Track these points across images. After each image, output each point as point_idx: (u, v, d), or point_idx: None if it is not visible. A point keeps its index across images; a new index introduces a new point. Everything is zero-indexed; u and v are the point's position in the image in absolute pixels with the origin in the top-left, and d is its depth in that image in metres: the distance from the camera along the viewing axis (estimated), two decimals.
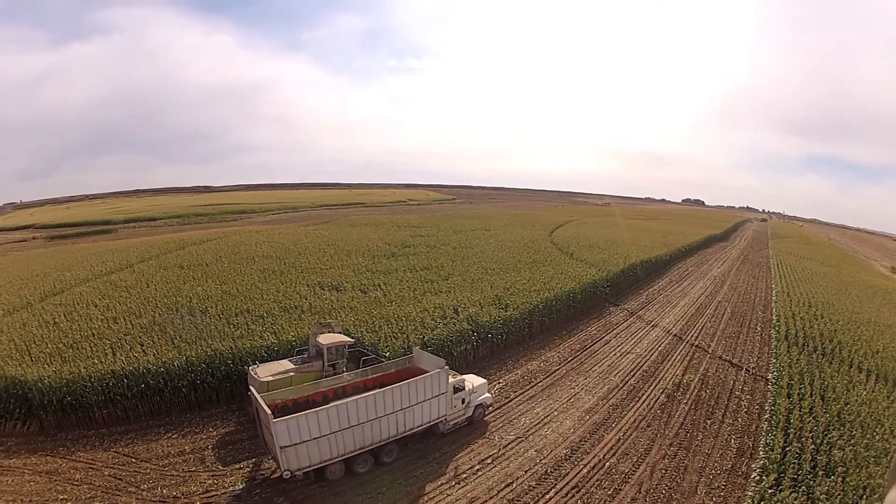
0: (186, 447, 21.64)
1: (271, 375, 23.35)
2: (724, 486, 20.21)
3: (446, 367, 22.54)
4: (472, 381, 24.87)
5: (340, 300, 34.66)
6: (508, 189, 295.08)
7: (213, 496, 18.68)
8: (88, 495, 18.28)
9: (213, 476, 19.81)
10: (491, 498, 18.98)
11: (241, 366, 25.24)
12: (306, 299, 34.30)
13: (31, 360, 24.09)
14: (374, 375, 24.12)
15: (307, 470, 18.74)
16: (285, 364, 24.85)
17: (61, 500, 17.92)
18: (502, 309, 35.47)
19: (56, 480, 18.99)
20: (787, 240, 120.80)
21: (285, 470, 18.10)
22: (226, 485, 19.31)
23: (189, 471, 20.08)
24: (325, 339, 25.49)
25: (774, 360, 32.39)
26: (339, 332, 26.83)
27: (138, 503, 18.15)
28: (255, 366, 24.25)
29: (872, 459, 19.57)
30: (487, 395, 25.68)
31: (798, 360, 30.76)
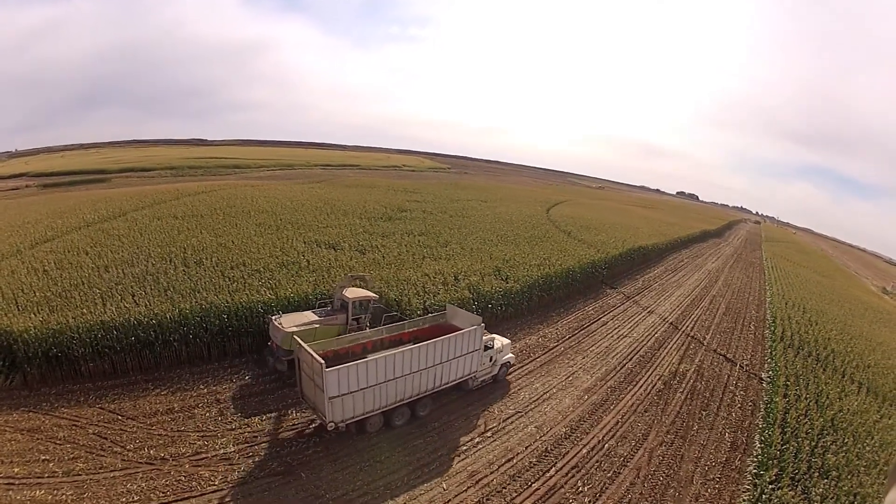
0: (175, 405, 20.62)
1: (295, 326, 23.02)
2: (719, 478, 20.30)
3: (482, 324, 23.04)
4: (499, 340, 25.75)
5: (339, 259, 33.79)
6: (503, 163, 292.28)
7: (202, 458, 17.82)
8: (71, 455, 17.34)
9: (203, 437, 18.89)
10: (492, 472, 18.73)
11: (237, 321, 24.39)
12: (304, 256, 33.39)
13: (18, 310, 22.54)
14: (410, 330, 24.65)
15: (350, 422, 18.87)
16: (309, 315, 24.67)
17: (42, 460, 16.99)
18: (503, 280, 35.16)
19: (38, 439, 17.98)
20: (781, 244, 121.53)
21: (330, 421, 18.12)
22: (216, 446, 18.44)
23: (178, 430, 19.14)
24: (351, 293, 25.35)
25: (770, 360, 32.48)
26: (371, 286, 26.64)
27: (124, 465, 17.16)
28: (279, 316, 23.90)
29: (863, 468, 19.72)
30: (511, 355, 26.60)
31: (794, 362, 30.83)
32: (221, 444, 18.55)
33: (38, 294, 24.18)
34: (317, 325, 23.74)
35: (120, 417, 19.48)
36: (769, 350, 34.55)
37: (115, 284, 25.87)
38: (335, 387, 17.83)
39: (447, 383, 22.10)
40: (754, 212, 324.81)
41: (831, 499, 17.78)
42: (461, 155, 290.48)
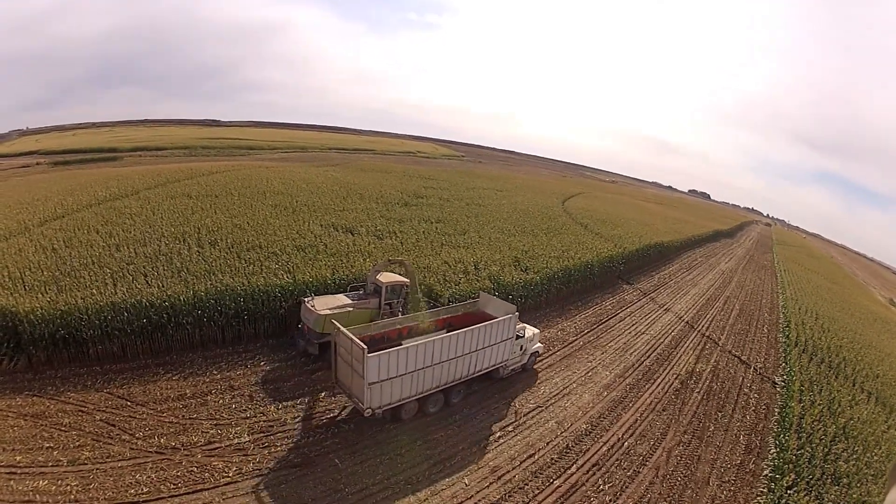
0: (187, 391, 19.79)
1: (329, 309, 22.70)
2: (735, 480, 20.18)
3: (517, 313, 23.05)
4: (529, 329, 25.78)
5: (357, 244, 33.21)
6: (517, 153, 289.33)
7: (216, 448, 17.14)
8: (77, 443, 16.54)
9: (216, 425, 18.13)
10: (514, 468, 18.45)
11: (253, 304, 23.80)
12: (321, 239, 32.70)
13: (25, 289, 21.55)
14: (445, 317, 24.67)
15: (387, 408, 18.72)
16: (342, 299, 24.28)
17: (46, 448, 16.17)
18: (522, 271, 34.78)
19: (42, 425, 17.10)
20: (792, 248, 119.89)
21: (367, 407, 17.95)
22: (230, 436, 17.70)
23: (190, 418, 18.32)
24: (385, 277, 25.06)
25: (784, 364, 32.18)
26: (410, 271, 26.33)
27: (132, 454, 16.39)
28: (311, 298, 23.49)
29: (871, 477, 19.83)
30: (540, 344, 26.82)
31: (807, 368, 30.57)
32: (236, 433, 17.88)
33: (45, 273, 23.17)
34: (350, 309, 23.47)
35: (129, 403, 18.68)
36: (783, 355, 34.14)
37: (127, 264, 24.98)
38: (375, 372, 17.62)
39: (481, 371, 22.20)
40: (765, 214, 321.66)
41: None
42: (475, 143, 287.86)
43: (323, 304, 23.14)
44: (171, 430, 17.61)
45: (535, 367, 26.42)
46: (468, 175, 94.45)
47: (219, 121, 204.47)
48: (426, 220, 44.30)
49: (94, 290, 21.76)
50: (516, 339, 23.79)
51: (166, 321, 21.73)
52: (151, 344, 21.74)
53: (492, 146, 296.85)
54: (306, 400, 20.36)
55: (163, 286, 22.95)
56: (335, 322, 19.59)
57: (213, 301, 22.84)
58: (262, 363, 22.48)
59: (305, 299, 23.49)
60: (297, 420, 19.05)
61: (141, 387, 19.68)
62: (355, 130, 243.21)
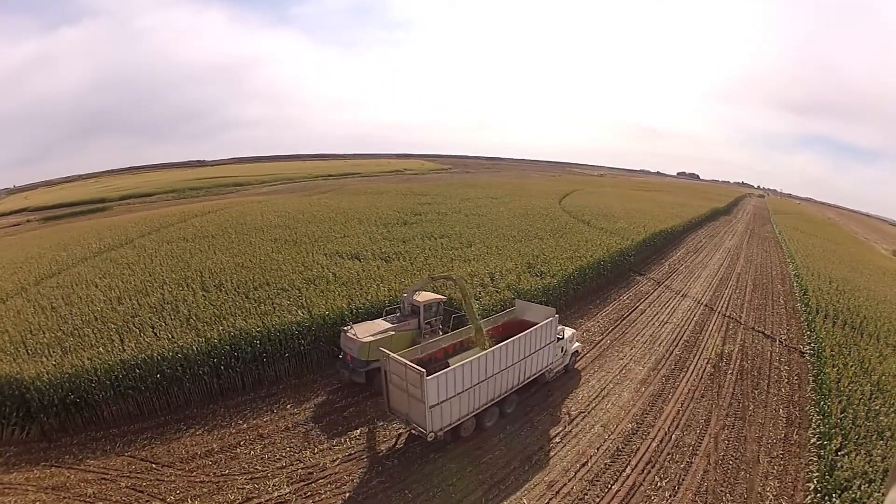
0: (214, 445, 18.80)
1: (371, 336, 22.45)
2: (782, 454, 20.00)
3: (556, 316, 23.39)
4: (567, 330, 25.92)
5: (366, 269, 32.61)
6: (502, 159, 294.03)
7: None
8: None
9: (251, 479, 17.20)
10: (569, 480, 17.83)
11: (271, 346, 23.14)
12: (328, 269, 32.03)
13: (28, 354, 20.80)
14: (486, 329, 23.98)
15: (447, 429, 18.56)
16: (381, 324, 23.92)
17: None
18: (538, 276, 34.34)
19: (65, 497, 16.06)
20: (789, 216, 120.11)
21: (430, 431, 17.76)
22: (268, 489, 16.71)
23: (222, 475, 17.33)
24: (421, 297, 24.94)
25: (810, 332, 31.93)
26: (461, 284, 25.36)
27: None
28: (349, 327, 23.12)
29: None
30: (578, 343, 27.16)
31: (832, 332, 30.25)
32: (274, 485, 16.90)
33: (47, 334, 22.36)
34: (392, 333, 23.20)
35: (154, 465, 17.73)
36: (807, 323, 33.93)
37: (131, 317, 24.18)
38: (435, 395, 17.43)
39: (530, 377, 22.34)
40: (756, 186, 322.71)
41: (889, 458, 17.56)
42: (459, 154, 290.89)
43: (364, 331, 22.82)
44: (205, 490, 16.63)
45: (577, 366, 26.58)
46: (460, 186, 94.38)
47: (204, 161, 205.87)
48: (429, 237, 43.78)
49: (100, 349, 20.98)
50: (557, 341, 23.90)
51: (181, 374, 20.93)
52: (168, 399, 20.91)
53: (476, 155, 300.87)
54: (342, 440, 19.56)
55: (173, 337, 22.18)
56: (384, 349, 19.22)
57: (227, 347, 22.09)
58: (289, 406, 21.65)
59: (344, 328, 23.16)
60: (336, 462, 18.15)
61: (164, 446, 18.78)
62: (340, 155, 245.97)
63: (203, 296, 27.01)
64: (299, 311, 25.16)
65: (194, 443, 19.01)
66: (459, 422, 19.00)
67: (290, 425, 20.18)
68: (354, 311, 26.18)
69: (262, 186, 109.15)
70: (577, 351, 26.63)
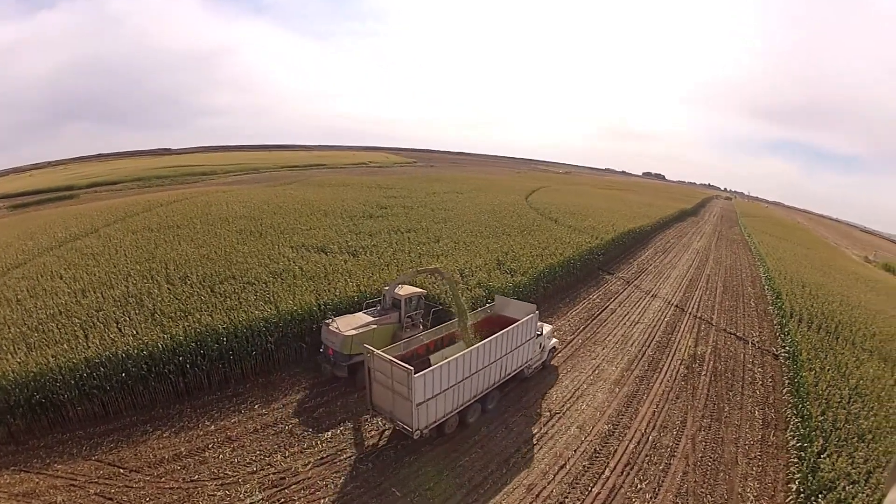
0: (182, 448, 18.31)
1: (353, 329, 22.79)
2: (761, 456, 20.82)
3: (537, 312, 24.01)
4: (545, 326, 26.60)
5: (333, 264, 32.26)
6: (468, 154, 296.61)
7: None
8: None
9: (222, 485, 16.75)
10: (549, 483, 18.05)
11: (237, 343, 22.63)
12: (294, 263, 31.66)
13: None
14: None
15: (432, 426, 18.77)
16: (363, 317, 24.28)
17: None
18: (508, 274, 34.65)
19: None
20: (758, 219, 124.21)
21: (416, 429, 17.97)
22: (240, 495, 16.32)
23: (191, 480, 16.90)
24: (403, 290, 25.18)
25: (784, 336, 32.93)
26: (449, 278, 25.88)
27: None
28: (331, 320, 23.30)
29: (890, 429, 20.68)
30: (555, 339, 28.08)
31: (808, 335, 31.33)
32: (245, 491, 16.50)
33: (12, 329, 21.69)
34: (374, 326, 23.64)
35: (122, 471, 17.17)
36: (781, 327, 34.93)
37: (96, 311, 23.54)
38: (422, 392, 17.62)
39: (510, 373, 22.85)
40: (723, 188, 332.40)
41: (872, 460, 18.36)
42: (424, 148, 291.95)
43: (346, 325, 23.03)
44: (174, 497, 16.16)
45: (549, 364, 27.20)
46: (425, 180, 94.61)
47: (170, 149, 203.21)
48: (396, 231, 43.73)
49: (64, 346, 20.30)
50: (536, 337, 24.51)
51: (146, 372, 20.32)
52: (134, 399, 20.28)
53: (441, 149, 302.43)
54: (313, 442, 19.25)
55: (137, 333, 21.57)
56: (369, 346, 19.27)
57: (193, 345, 21.54)
58: (257, 406, 21.24)
59: (326, 322, 23.37)
60: (308, 467, 17.85)
61: (131, 450, 18.20)
62: (304, 147, 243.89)
63: (168, 289, 26.42)
64: (266, 307, 24.80)
65: (161, 446, 18.50)
66: (444, 419, 19.22)
67: (258, 427, 19.78)
68: (322, 306, 25.85)
69: (227, 176, 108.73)
70: (554, 347, 27.35)
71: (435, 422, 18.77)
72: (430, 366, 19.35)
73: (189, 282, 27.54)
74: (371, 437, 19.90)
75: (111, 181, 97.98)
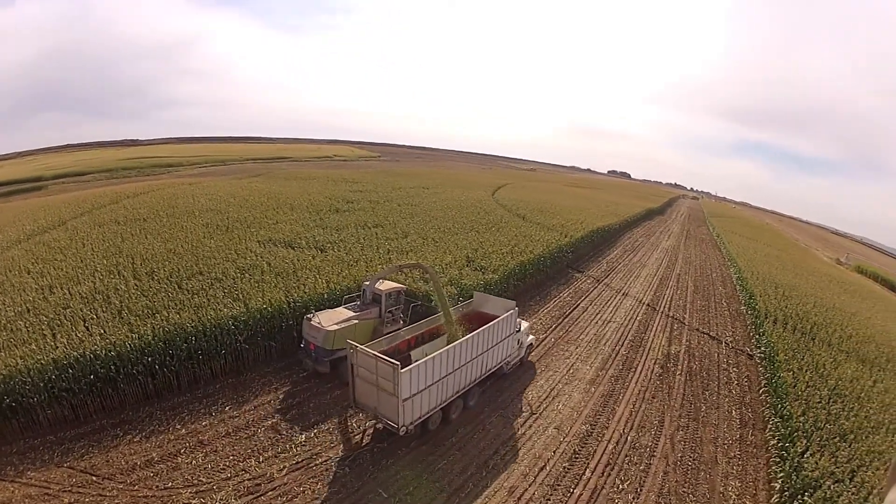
0: (154, 454, 17.80)
1: (336, 324, 22.91)
2: (740, 455, 21.43)
3: (517, 308, 24.62)
4: (523, 323, 26.97)
5: (301, 259, 31.88)
6: (432, 149, 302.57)
7: None
8: None
9: (197, 493, 16.29)
10: (530, 485, 18.10)
11: (206, 342, 22.18)
12: (262, 258, 31.27)
13: None
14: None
15: (417, 423, 18.98)
16: (344, 312, 24.40)
17: None
18: (479, 271, 34.80)
19: None
20: (726, 219, 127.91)
21: (402, 426, 18.13)
22: (215, 502, 15.99)
23: (165, 488, 16.41)
24: (383, 285, 25.67)
25: (761, 336, 33.69)
26: (433, 273, 26.01)
27: None
28: (314, 315, 23.41)
29: (871, 429, 21.31)
30: (532, 336, 28.76)
31: (783, 336, 32.19)
32: (221, 499, 16.12)
33: None
34: (356, 321, 23.83)
35: (94, 478, 16.60)
36: (755, 326, 36.02)
37: (63, 308, 22.77)
38: (408, 388, 17.79)
39: (491, 369, 23.47)
40: (689, 188, 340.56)
41: (855, 459, 18.96)
42: (388, 142, 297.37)
43: (328, 320, 23.21)
44: None
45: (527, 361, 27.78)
46: (390, 175, 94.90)
47: (137, 140, 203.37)
48: (363, 226, 43.62)
49: (33, 346, 19.51)
50: (515, 333, 25.08)
51: (115, 373, 19.72)
52: (103, 401, 19.66)
53: (405, 143, 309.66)
54: (287, 446, 18.86)
55: (105, 332, 20.91)
56: (353, 342, 19.22)
57: (161, 344, 20.99)
58: (227, 408, 20.73)
59: (308, 316, 23.45)
60: (284, 472, 17.48)
61: (103, 455, 17.61)
62: (270, 139, 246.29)
63: (135, 285, 25.80)
64: (235, 304, 24.37)
65: (133, 451, 17.93)
66: (429, 415, 19.44)
67: (230, 430, 19.32)
68: (292, 304, 25.52)
69: (193, 168, 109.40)
70: (531, 343, 27.94)
71: (420, 417, 18.97)
72: (412, 361, 19.73)
73: (156, 277, 27.03)
74: (346, 439, 19.68)
75: (79, 172, 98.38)
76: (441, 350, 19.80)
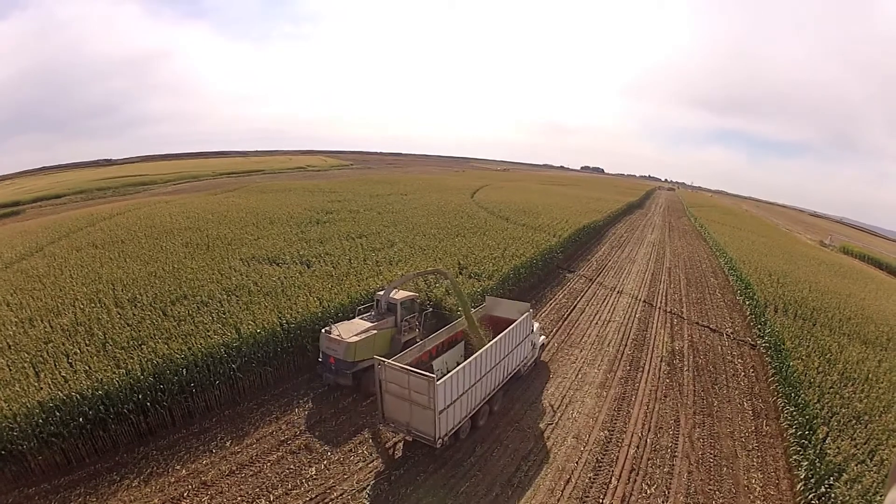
0: (155, 499, 16.75)
1: (356, 336, 23.01)
2: (758, 446, 21.67)
3: (531, 310, 25.37)
4: (534, 324, 27.18)
5: (288, 276, 31.12)
6: (404, 154, 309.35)
7: None
8: None
9: None
10: (559, 500, 17.72)
11: (198, 374, 21.23)
12: (247, 277, 30.44)
13: None
14: (461, 329, 25.51)
15: (451, 433, 19.18)
16: (361, 323, 24.54)
17: None
18: (475, 279, 34.49)
19: None
20: (706, 209, 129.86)
21: (439, 438, 18.26)
22: None
23: None
24: (398, 294, 25.97)
25: (761, 326, 34.02)
26: (452, 279, 26.18)
27: None
28: (331, 327, 23.54)
29: (884, 408, 21.64)
30: (543, 336, 29.37)
31: (787, 324, 32.35)
32: None
33: None
34: (375, 332, 23.98)
35: None
36: (755, 316, 36.25)
37: (45, 343, 21.67)
38: (443, 399, 17.92)
39: (511, 373, 23.84)
40: (664, 179, 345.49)
41: (873, 439, 19.20)
42: (360, 150, 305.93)
43: (347, 331, 23.29)
44: None
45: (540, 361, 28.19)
46: (366, 183, 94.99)
47: (111, 159, 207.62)
48: (347, 237, 43.11)
49: (16, 387, 18.39)
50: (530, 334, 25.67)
51: (104, 414, 18.66)
52: (94, 444, 18.61)
53: (377, 150, 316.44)
54: (297, 482, 18.02)
55: (90, 368, 19.78)
56: (380, 358, 19.21)
57: (151, 379, 19.92)
58: (228, 443, 19.76)
59: (326, 329, 23.50)
60: None
61: None
62: (242, 153, 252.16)
63: (118, 313, 24.82)
64: (226, 330, 23.44)
65: (132, 498, 16.91)
66: (460, 424, 19.70)
67: (234, 468, 18.46)
68: (286, 326, 24.78)
69: (167, 185, 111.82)
70: (543, 343, 28.34)
71: (453, 428, 19.22)
72: (433, 372, 20.54)
73: (139, 304, 26.13)
74: (358, 469, 18.98)
75: (55, 195, 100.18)
76: (471, 358, 20.08)
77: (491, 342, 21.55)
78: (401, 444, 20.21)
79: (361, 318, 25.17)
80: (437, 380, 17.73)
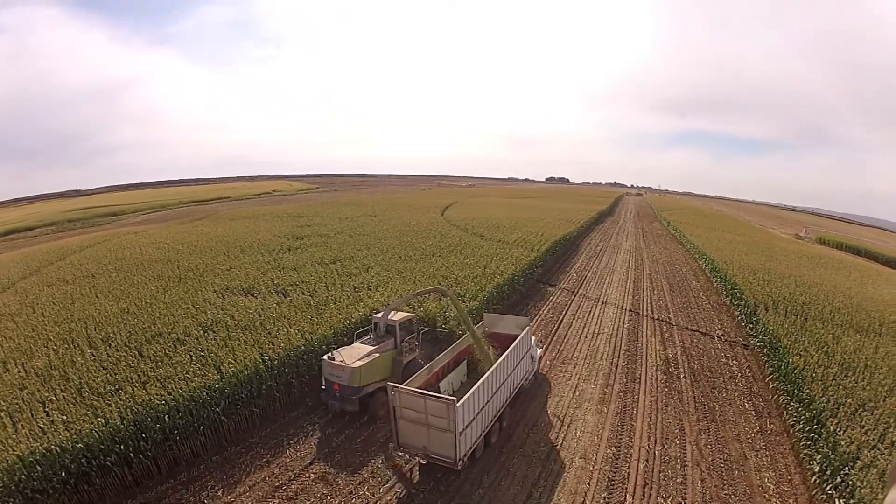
0: None
1: (360, 361, 23.08)
2: (765, 446, 22.05)
3: (531, 324, 26.30)
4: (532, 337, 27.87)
5: (265, 307, 30.30)
6: (369, 175, 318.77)
7: None
8: None
9: None
10: None
11: (181, 419, 20.28)
12: (223, 310, 29.52)
13: None
14: (464, 348, 26.14)
15: (469, 453, 19.33)
16: (362, 347, 24.58)
17: None
18: (458, 299, 33.84)
19: None
20: (677, 212, 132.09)
21: (460, 459, 18.41)
22: None
23: None
24: (395, 316, 26.02)
25: (756, 325, 34.22)
26: (454, 298, 27.08)
27: None
28: (333, 353, 23.67)
29: (886, 393, 22.23)
30: (540, 349, 29.69)
31: (780, 321, 32.58)
32: None
33: None
34: (377, 355, 24.04)
35: None
36: (747, 316, 36.62)
37: (20, 390, 20.62)
38: (462, 420, 18.12)
39: (516, 388, 24.41)
40: (630, 185, 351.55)
41: (881, 423, 19.60)
42: (325, 173, 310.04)
43: (350, 356, 23.39)
44: None
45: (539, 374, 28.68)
46: (334, 206, 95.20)
47: (79, 190, 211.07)
48: (321, 263, 42.47)
49: None
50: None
51: (87, 467, 17.62)
52: (79, 498, 17.57)
53: (342, 172, 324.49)
54: None
55: (68, 418, 18.67)
56: (393, 384, 19.33)
57: (132, 427, 18.88)
58: (220, 492, 18.77)
59: (328, 356, 23.64)
60: None
61: None
62: (208, 179, 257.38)
63: (92, 355, 23.79)
64: (206, 371, 22.46)
65: None
66: (476, 442, 19.95)
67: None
68: (268, 363, 23.90)
69: (135, 216, 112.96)
70: (540, 356, 29.00)
71: (471, 448, 19.39)
72: (440, 393, 21.22)
73: (113, 344, 25.15)
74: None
75: (27, 227, 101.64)
76: (484, 376, 20.43)
77: (500, 358, 21.96)
78: (416, 468, 20.14)
79: (361, 342, 25.24)
80: (457, 402, 17.85)
